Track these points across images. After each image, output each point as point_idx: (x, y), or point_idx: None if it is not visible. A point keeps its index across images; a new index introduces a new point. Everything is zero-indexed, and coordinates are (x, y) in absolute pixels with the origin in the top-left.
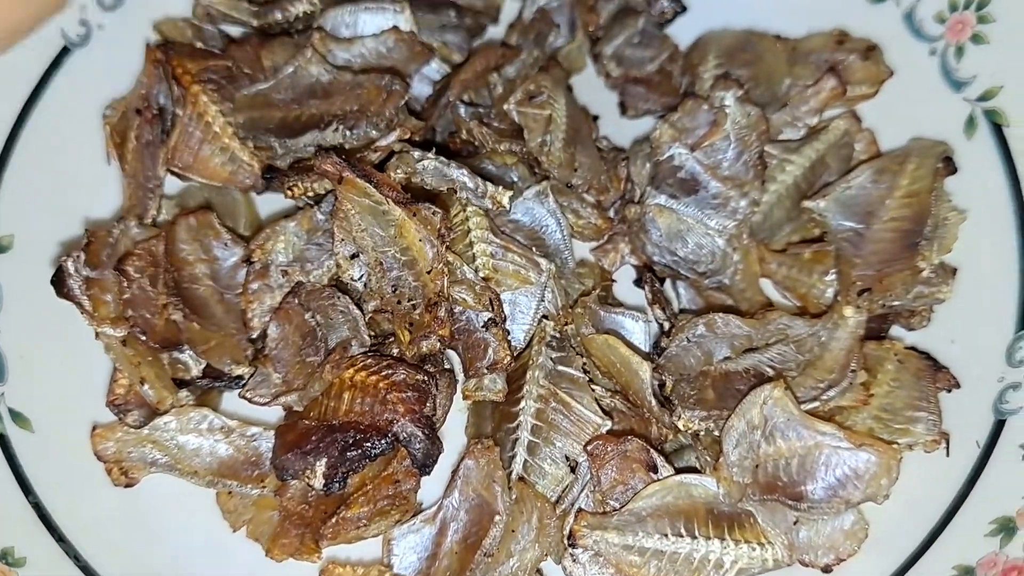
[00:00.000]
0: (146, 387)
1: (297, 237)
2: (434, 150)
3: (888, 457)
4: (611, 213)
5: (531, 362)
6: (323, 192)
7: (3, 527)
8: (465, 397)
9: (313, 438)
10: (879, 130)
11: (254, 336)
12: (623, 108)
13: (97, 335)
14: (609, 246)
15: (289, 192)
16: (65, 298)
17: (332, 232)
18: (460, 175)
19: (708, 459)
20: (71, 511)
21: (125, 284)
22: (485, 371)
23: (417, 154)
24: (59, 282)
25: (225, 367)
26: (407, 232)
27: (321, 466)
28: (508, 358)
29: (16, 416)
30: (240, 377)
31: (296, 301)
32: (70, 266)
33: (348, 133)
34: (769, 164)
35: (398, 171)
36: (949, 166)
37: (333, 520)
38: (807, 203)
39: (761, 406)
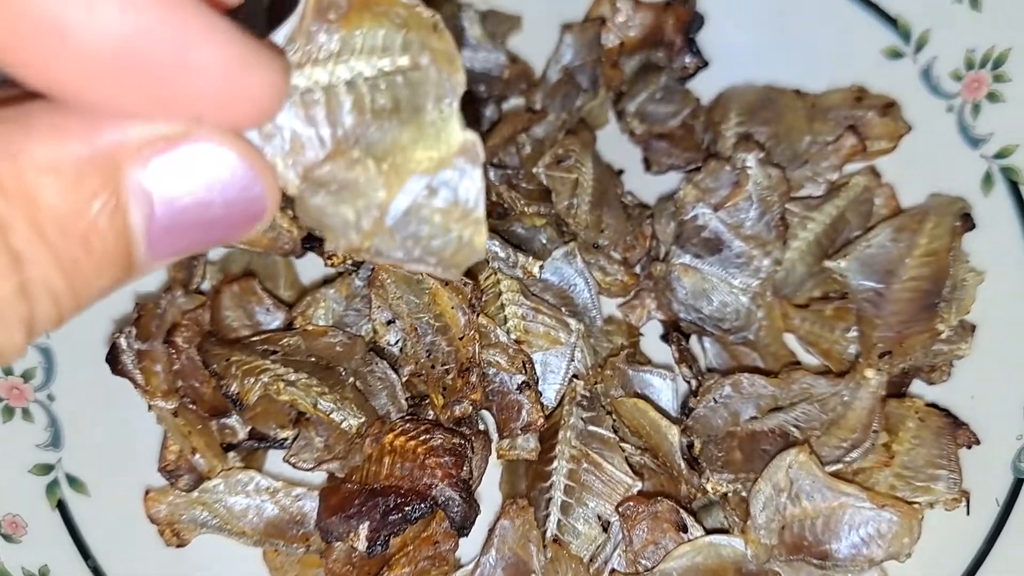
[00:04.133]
0: (197, 456)
1: (336, 303)
2: None
3: (910, 517)
4: (637, 269)
5: (563, 422)
6: (361, 260)
7: None
8: (499, 456)
9: (356, 502)
10: (898, 184)
11: None
12: (647, 164)
13: (149, 407)
14: (636, 302)
15: (329, 261)
16: (120, 375)
17: (369, 299)
18: (491, 246)
19: (736, 519)
20: (128, 572)
21: (175, 355)
22: (519, 432)
23: None
24: (114, 360)
25: (270, 432)
26: (440, 300)
27: (364, 529)
28: (541, 419)
29: (73, 481)
30: (286, 438)
31: None
32: (123, 343)
33: None
34: (791, 222)
35: None
36: (967, 223)
37: None
38: (828, 263)
39: (787, 470)
